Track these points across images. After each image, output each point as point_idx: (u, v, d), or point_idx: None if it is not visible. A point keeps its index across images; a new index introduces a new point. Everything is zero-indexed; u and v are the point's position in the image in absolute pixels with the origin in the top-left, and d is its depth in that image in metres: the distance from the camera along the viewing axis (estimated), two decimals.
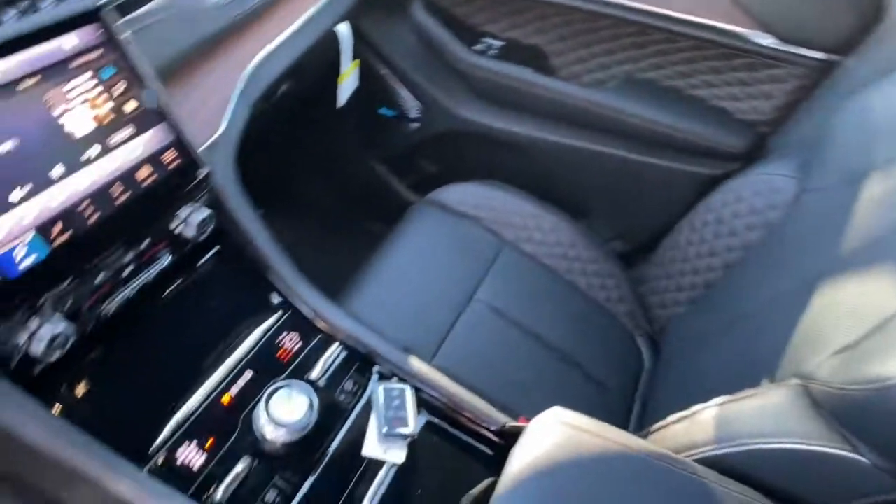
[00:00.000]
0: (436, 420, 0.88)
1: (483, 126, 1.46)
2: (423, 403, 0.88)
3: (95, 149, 0.73)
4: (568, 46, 1.40)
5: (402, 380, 0.89)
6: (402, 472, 0.81)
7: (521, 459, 0.68)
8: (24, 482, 0.72)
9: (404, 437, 0.81)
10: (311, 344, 0.90)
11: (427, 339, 1.10)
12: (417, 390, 0.88)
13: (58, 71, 0.71)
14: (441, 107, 1.50)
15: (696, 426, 0.79)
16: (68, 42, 0.72)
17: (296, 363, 0.87)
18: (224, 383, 0.82)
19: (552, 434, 0.70)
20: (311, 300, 0.92)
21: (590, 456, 0.68)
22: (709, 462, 0.73)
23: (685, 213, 1.27)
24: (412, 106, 1.54)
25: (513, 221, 1.35)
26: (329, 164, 1.76)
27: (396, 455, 0.81)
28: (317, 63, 1.27)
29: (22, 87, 0.68)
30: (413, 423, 0.82)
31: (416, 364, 0.91)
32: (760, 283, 1.03)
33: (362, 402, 0.86)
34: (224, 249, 0.92)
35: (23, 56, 0.68)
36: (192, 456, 0.75)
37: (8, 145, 0.66)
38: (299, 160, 1.71)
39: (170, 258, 0.83)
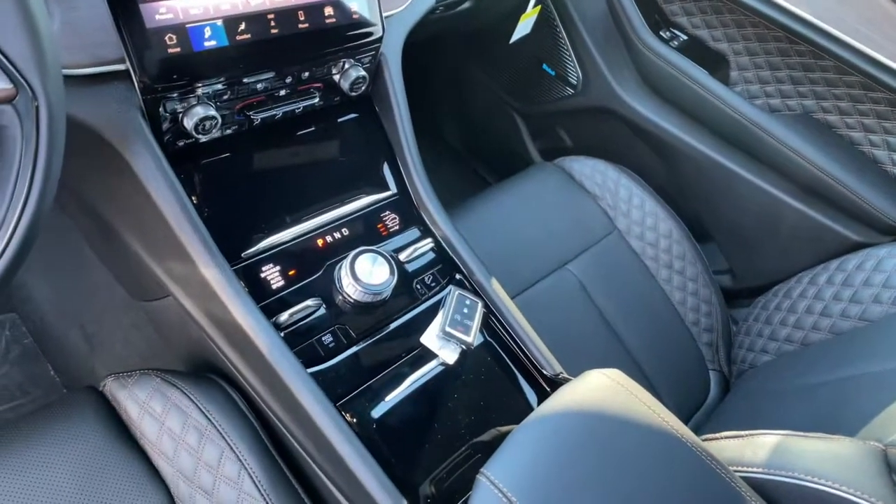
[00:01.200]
0: (494, 343, 0.88)
1: (638, 114, 1.43)
2: (487, 325, 0.89)
3: None
4: (754, 63, 1.33)
5: (477, 295, 0.90)
6: (447, 373, 0.82)
7: (566, 394, 0.67)
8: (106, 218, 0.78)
9: (461, 342, 0.82)
10: (409, 230, 0.92)
11: (507, 282, 1.10)
12: (489, 311, 0.89)
13: None
14: (603, 82, 1.48)
15: (749, 446, 0.75)
16: None
17: (389, 240, 0.90)
18: (323, 229, 0.87)
19: (605, 387, 0.69)
20: (423, 191, 0.94)
21: (633, 419, 0.66)
22: (752, 483, 0.69)
23: (812, 266, 1.19)
24: (574, 71, 1.52)
25: (630, 213, 1.32)
26: (472, 96, 1.78)
27: (448, 355, 0.82)
28: None
29: None
30: (474, 334, 0.83)
31: (497, 288, 0.91)
32: (862, 357, 0.96)
33: (434, 299, 0.88)
34: (364, 118, 0.96)
35: None
36: (274, 276, 0.80)
37: None
38: (447, 79, 1.74)
39: (318, 99, 0.87)
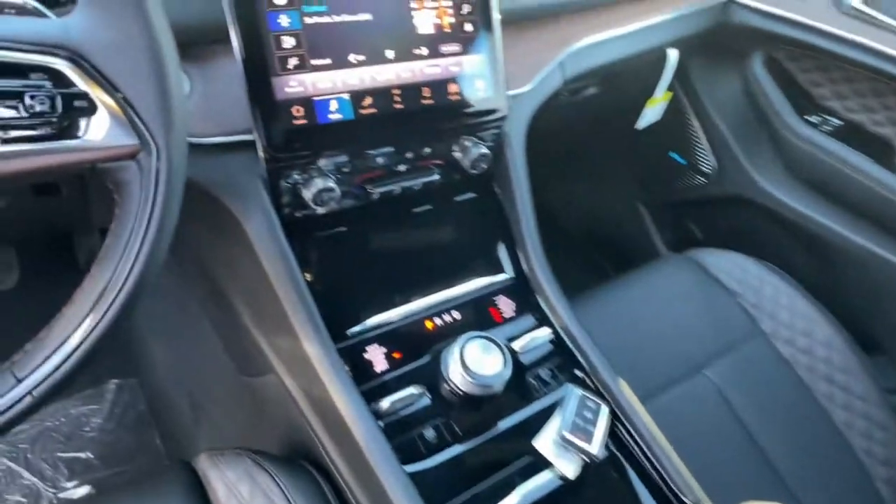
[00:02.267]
0: (622, 457, 0.75)
1: (784, 205, 1.28)
2: (613, 434, 0.77)
3: (425, 50, 0.77)
4: None
5: (602, 397, 0.78)
6: (565, 490, 0.70)
7: None
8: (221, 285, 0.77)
9: (582, 452, 0.70)
10: (525, 317, 0.84)
11: (634, 385, 0.97)
12: (615, 417, 0.77)
13: None
14: (740, 171, 1.36)
15: None
16: None
17: (503, 327, 0.82)
18: (432, 311, 0.81)
19: None
20: (542, 276, 0.87)
21: None
22: None
23: None
24: (707, 160, 1.42)
25: (777, 314, 1.15)
26: (593, 181, 1.71)
27: (566, 466, 0.70)
28: (633, 76, 1.23)
29: None
30: (599, 445, 0.71)
31: (626, 390, 0.79)
32: None
33: (551, 398, 0.78)
34: (483, 197, 0.92)
35: None
36: (378, 357, 0.74)
37: (366, 16, 0.73)
38: (568, 162, 1.69)
39: (438, 176, 0.84)
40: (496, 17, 0.82)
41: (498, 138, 0.88)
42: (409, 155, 0.80)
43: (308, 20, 0.69)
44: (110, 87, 0.45)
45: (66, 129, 0.45)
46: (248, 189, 0.71)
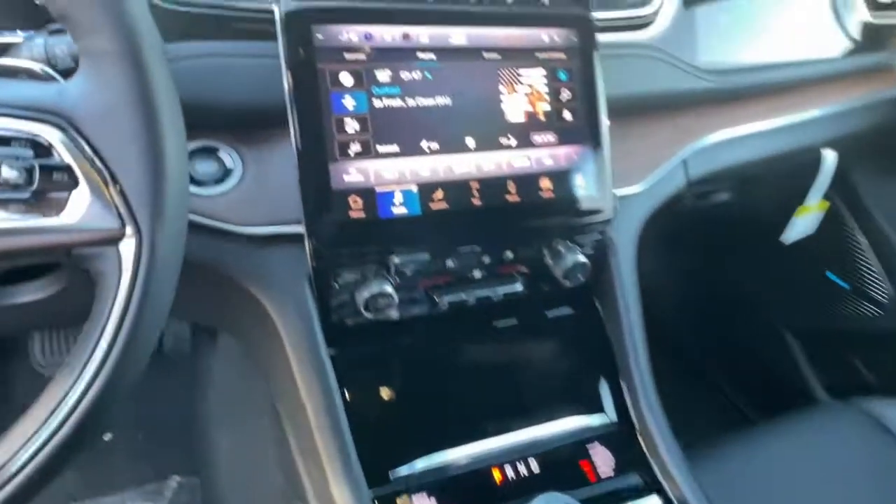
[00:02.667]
0: None
1: None
2: None
3: (513, 140, 0.66)
4: None
5: None
6: None
7: None
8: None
9: None
10: (627, 477, 0.64)
11: None
12: None
13: (522, 55, 0.67)
14: None
15: None
16: (547, 34, 0.68)
17: (596, 487, 0.63)
18: (504, 457, 0.64)
19: None
20: (653, 422, 0.67)
21: None
22: None
23: None
24: (879, 285, 1.14)
25: None
26: (725, 302, 1.45)
27: None
28: (777, 180, 1.03)
29: (487, 56, 0.66)
30: None
31: None
32: None
33: None
34: (579, 314, 0.76)
35: (504, 31, 0.66)
36: None
37: (445, 100, 0.64)
38: (692, 277, 1.46)
39: (522, 287, 0.70)
40: (602, 104, 0.70)
41: (600, 245, 0.73)
42: (486, 259, 0.67)
43: (377, 103, 0.61)
44: (97, 158, 0.38)
45: (42, 205, 0.38)
46: (290, 288, 0.61)
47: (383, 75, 0.62)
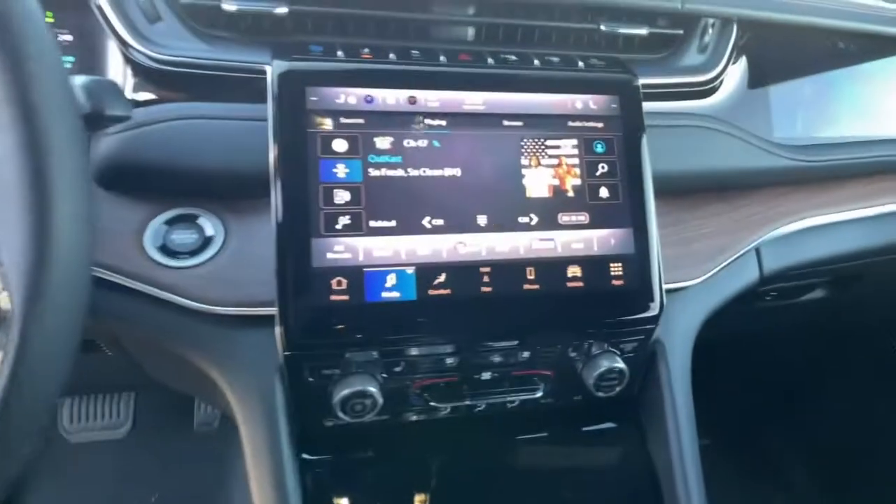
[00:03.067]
0: None
1: None
2: None
3: (535, 218, 0.56)
4: None
5: None
6: None
7: None
8: None
9: None
10: None
11: None
12: None
13: (550, 123, 0.58)
14: None
15: None
16: (581, 100, 0.59)
17: None
18: None
19: None
20: None
21: None
22: None
23: None
24: None
25: None
26: (818, 422, 1.22)
27: None
28: (881, 274, 0.86)
29: (508, 123, 0.57)
30: None
31: None
32: None
33: None
34: (618, 429, 0.62)
35: (528, 96, 0.58)
36: None
37: (454, 171, 0.55)
38: (774, 393, 1.24)
39: (542, 394, 0.58)
40: (648, 181, 0.60)
41: (644, 348, 0.60)
42: (496, 358, 0.56)
43: (373, 172, 0.54)
44: None
45: None
46: (258, 379, 0.53)
47: (383, 142, 0.54)
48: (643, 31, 0.65)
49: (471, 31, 0.64)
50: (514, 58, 0.60)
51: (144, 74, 0.54)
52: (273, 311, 0.52)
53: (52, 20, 0.59)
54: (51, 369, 0.33)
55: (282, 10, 0.56)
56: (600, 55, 0.64)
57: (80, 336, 0.34)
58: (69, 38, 0.59)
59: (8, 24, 0.31)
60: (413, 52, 0.58)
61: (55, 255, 0.32)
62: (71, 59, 0.58)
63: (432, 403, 0.55)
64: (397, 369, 0.54)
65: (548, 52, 0.62)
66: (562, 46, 0.65)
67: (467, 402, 0.56)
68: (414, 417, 0.57)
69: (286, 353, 0.51)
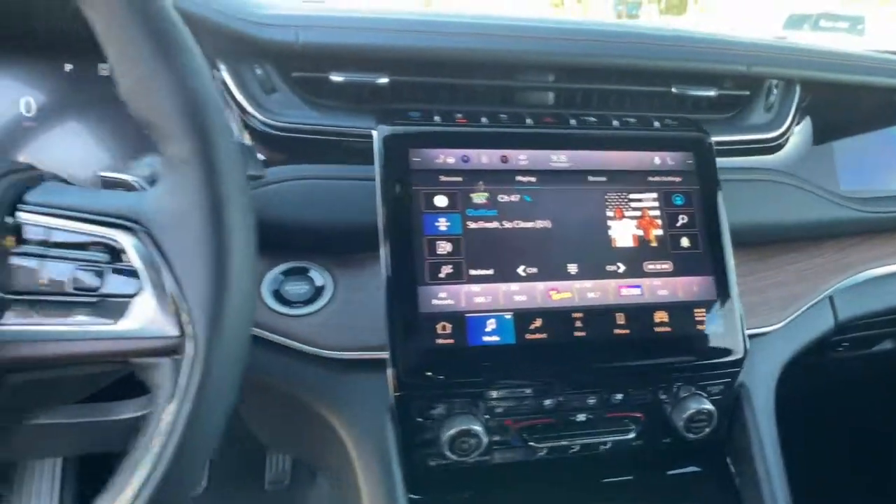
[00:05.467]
0: None
1: None
2: None
3: (622, 266, 0.60)
4: None
5: None
6: None
7: None
8: None
9: None
10: None
11: None
12: None
13: (631, 178, 0.63)
14: None
15: None
16: (659, 157, 0.64)
17: None
18: None
19: None
20: None
21: None
22: None
23: None
24: None
25: None
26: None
27: None
28: None
29: (592, 179, 0.62)
30: None
31: None
32: None
33: None
34: (707, 473, 0.63)
35: (610, 154, 0.63)
36: None
37: (545, 223, 0.60)
38: (860, 442, 1.20)
39: (634, 435, 0.60)
40: (725, 231, 0.63)
41: (730, 391, 0.62)
42: (591, 401, 0.58)
43: (472, 224, 0.58)
44: (163, 262, 0.37)
45: (104, 310, 0.37)
46: (371, 420, 0.56)
47: (479, 198, 0.59)
48: (712, 93, 0.69)
49: (551, 96, 0.69)
50: (593, 119, 0.65)
51: (260, 139, 0.61)
52: (381, 355, 0.55)
53: None
54: (223, 400, 0.37)
55: (383, 80, 0.62)
56: (673, 115, 0.68)
57: (243, 371, 0.39)
58: None
59: (201, 107, 0.36)
60: (501, 115, 0.64)
61: (232, 294, 0.36)
62: None
63: (531, 444, 0.57)
64: (499, 410, 0.57)
65: (624, 114, 0.67)
66: (636, 108, 0.70)
67: (564, 443, 0.58)
68: (511, 458, 0.59)
69: (396, 393, 0.55)
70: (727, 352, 0.60)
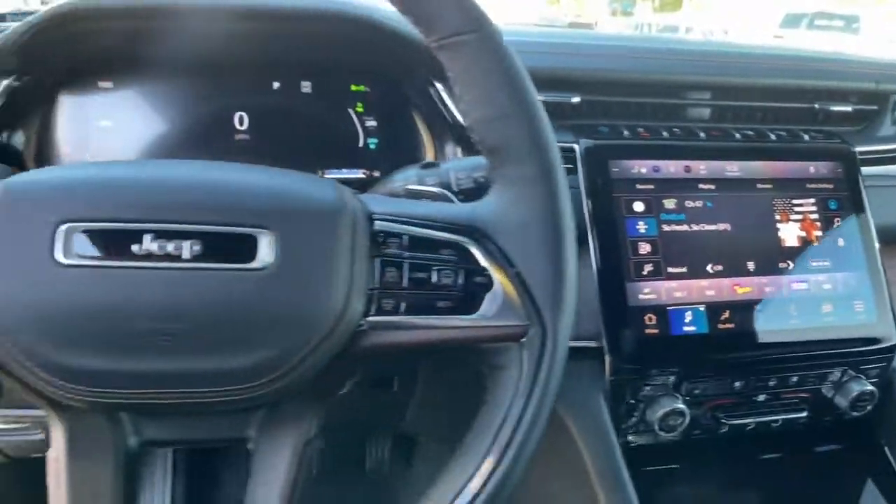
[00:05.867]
0: None
1: None
2: None
3: (791, 263, 0.68)
4: None
5: None
6: None
7: None
8: None
9: None
10: None
11: None
12: None
13: (793, 185, 0.71)
14: None
15: None
16: (813, 166, 0.72)
17: None
18: None
19: None
20: None
21: None
22: None
23: None
24: None
25: None
26: None
27: None
28: None
29: (760, 186, 0.70)
30: None
31: None
32: None
33: None
34: (861, 450, 0.71)
35: (773, 164, 0.71)
36: None
37: (725, 226, 0.67)
38: None
39: (806, 413, 0.68)
40: (872, 229, 0.71)
41: (885, 373, 0.70)
42: (772, 382, 0.66)
43: (665, 227, 0.66)
44: (507, 263, 0.44)
45: (462, 305, 0.44)
46: (587, 403, 0.63)
47: (670, 203, 0.67)
48: (849, 108, 0.77)
49: (707, 112, 0.77)
50: (751, 133, 0.73)
51: (474, 150, 0.68)
52: (595, 343, 0.63)
53: None
54: (558, 380, 0.45)
55: (576, 99, 0.70)
56: (816, 129, 0.76)
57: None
58: None
59: (546, 140, 0.44)
60: (675, 129, 0.71)
61: (569, 289, 0.44)
62: None
63: (723, 421, 0.65)
64: (696, 391, 0.64)
65: (776, 127, 0.75)
66: (776, 122, 0.78)
67: (747, 420, 0.66)
68: (699, 434, 0.67)
69: (611, 377, 0.62)
70: (882, 338, 0.68)
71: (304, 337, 0.39)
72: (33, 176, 0.39)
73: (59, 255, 0.36)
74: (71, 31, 0.59)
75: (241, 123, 0.72)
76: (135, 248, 0.37)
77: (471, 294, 0.44)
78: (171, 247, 0.37)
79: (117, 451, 0.43)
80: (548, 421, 0.44)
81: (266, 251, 0.38)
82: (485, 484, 0.42)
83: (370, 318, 0.42)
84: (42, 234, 0.36)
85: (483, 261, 0.44)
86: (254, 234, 0.39)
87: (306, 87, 0.73)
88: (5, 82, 0.61)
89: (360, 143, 0.73)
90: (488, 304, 0.44)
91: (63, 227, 0.36)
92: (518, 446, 0.42)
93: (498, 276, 0.44)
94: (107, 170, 0.41)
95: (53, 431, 0.42)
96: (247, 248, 0.38)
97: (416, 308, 0.43)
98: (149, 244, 0.37)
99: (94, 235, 0.36)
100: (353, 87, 0.74)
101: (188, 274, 0.37)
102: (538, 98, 0.44)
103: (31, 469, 0.99)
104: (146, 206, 0.38)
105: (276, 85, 0.72)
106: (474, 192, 0.53)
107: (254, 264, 0.38)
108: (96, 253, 0.36)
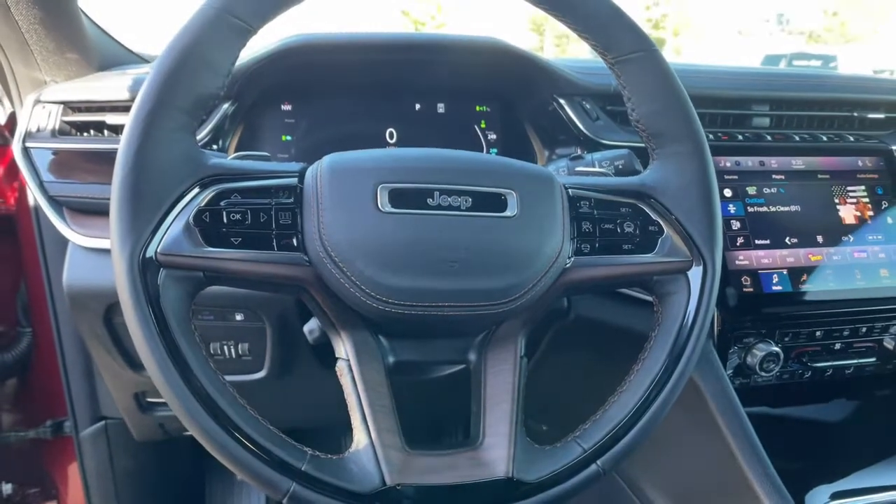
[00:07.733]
0: None
1: None
2: None
3: (852, 237, 0.83)
4: None
5: None
6: None
7: None
8: None
9: None
10: None
11: None
12: None
13: (847, 176, 0.87)
14: None
15: None
16: (861, 161, 0.88)
17: None
18: None
19: None
20: None
21: None
22: None
23: None
24: None
25: None
26: None
27: None
28: None
29: (820, 176, 0.86)
30: None
31: None
32: None
33: None
34: None
35: (828, 159, 0.87)
36: None
37: (797, 207, 0.83)
38: None
39: (874, 358, 0.82)
40: None
41: None
42: (845, 332, 0.81)
43: (750, 209, 0.81)
44: (672, 217, 0.58)
45: (639, 248, 0.58)
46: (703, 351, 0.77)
47: (752, 189, 0.83)
48: (881, 116, 0.95)
49: (766, 121, 0.94)
50: (807, 136, 0.90)
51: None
52: None
53: None
54: (716, 297, 0.58)
55: None
56: (855, 132, 0.93)
57: None
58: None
59: (695, 122, 0.59)
60: (746, 134, 0.88)
61: (719, 228, 0.58)
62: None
63: (808, 363, 0.80)
64: (786, 339, 0.79)
65: (825, 132, 0.92)
66: (825, 127, 0.95)
67: (826, 364, 0.80)
68: (787, 377, 0.81)
69: (719, 328, 0.76)
70: None
71: (536, 268, 0.53)
72: (350, 155, 0.54)
73: (382, 206, 0.50)
74: (287, 63, 0.75)
75: (391, 138, 0.87)
76: (429, 200, 0.51)
77: (646, 239, 0.58)
78: (452, 200, 0.52)
79: (384, 363, 0.56)
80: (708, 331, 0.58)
81: (513, 204, 0.53)
82: (672, 374, 0.55)
83: (574, 259, 0.56)
84: (367, 192, 0.51)
85: (653, 215, 0.59)
86: (504, 194, 0.54)
87: (441, 107, 0.89)
88: (225, 106, 0.77)
89: (484, 153, 0.89)
90: (660, 246, 0.58)
91: (380, 187, 0.51)
92: (689, 352, 0.56)
93: (666, 226, 0.59)
94: (400, 151, 0.57)
95: (343, 345, 0.55)
96: (501, 202, 0.53)
97: (607, 250, 0.58)
98: (437, 199, 0.52)
99: (402, 192, 0.51)
100: (478, 108, 0.90)
101: (465, 219, 0.52)
102: (688, 98, 0.60)
103: (170, 449, 1.09)
104: (435, 173, 0.53)
105: (417, 106, 0.88)
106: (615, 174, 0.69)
107: (506, 213, 0.53)
108: (405, 205, 0.51)
